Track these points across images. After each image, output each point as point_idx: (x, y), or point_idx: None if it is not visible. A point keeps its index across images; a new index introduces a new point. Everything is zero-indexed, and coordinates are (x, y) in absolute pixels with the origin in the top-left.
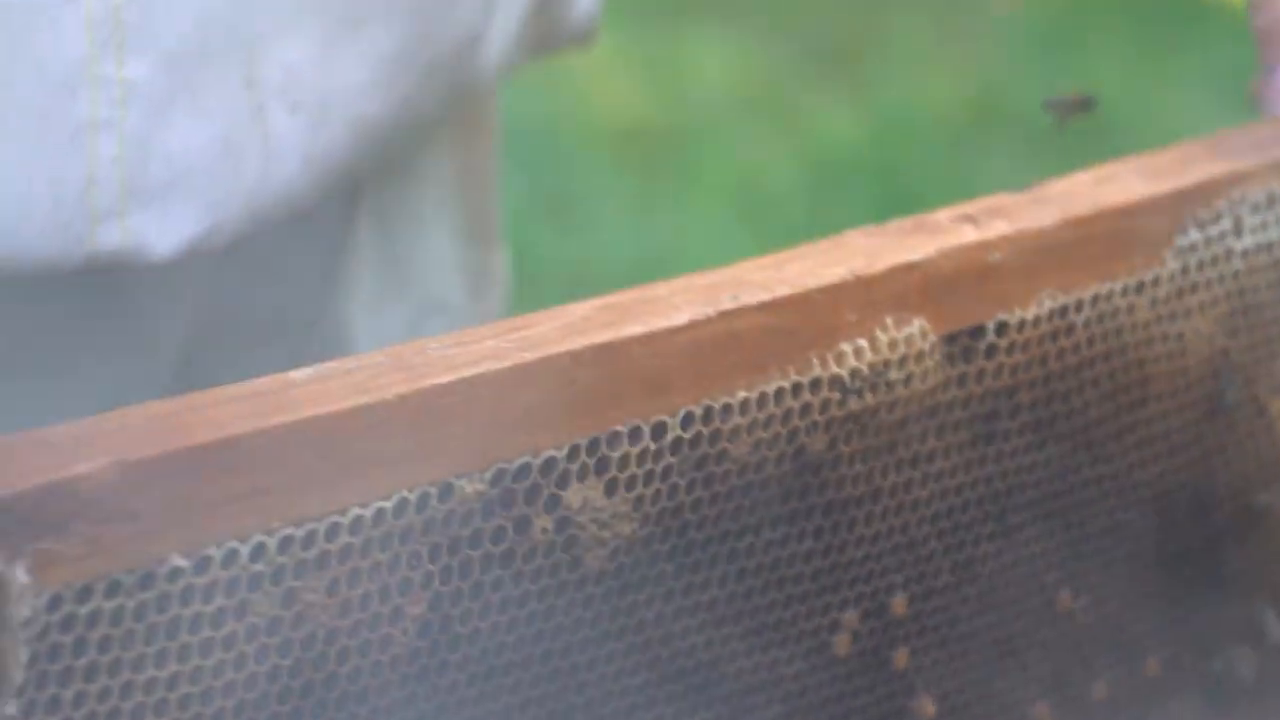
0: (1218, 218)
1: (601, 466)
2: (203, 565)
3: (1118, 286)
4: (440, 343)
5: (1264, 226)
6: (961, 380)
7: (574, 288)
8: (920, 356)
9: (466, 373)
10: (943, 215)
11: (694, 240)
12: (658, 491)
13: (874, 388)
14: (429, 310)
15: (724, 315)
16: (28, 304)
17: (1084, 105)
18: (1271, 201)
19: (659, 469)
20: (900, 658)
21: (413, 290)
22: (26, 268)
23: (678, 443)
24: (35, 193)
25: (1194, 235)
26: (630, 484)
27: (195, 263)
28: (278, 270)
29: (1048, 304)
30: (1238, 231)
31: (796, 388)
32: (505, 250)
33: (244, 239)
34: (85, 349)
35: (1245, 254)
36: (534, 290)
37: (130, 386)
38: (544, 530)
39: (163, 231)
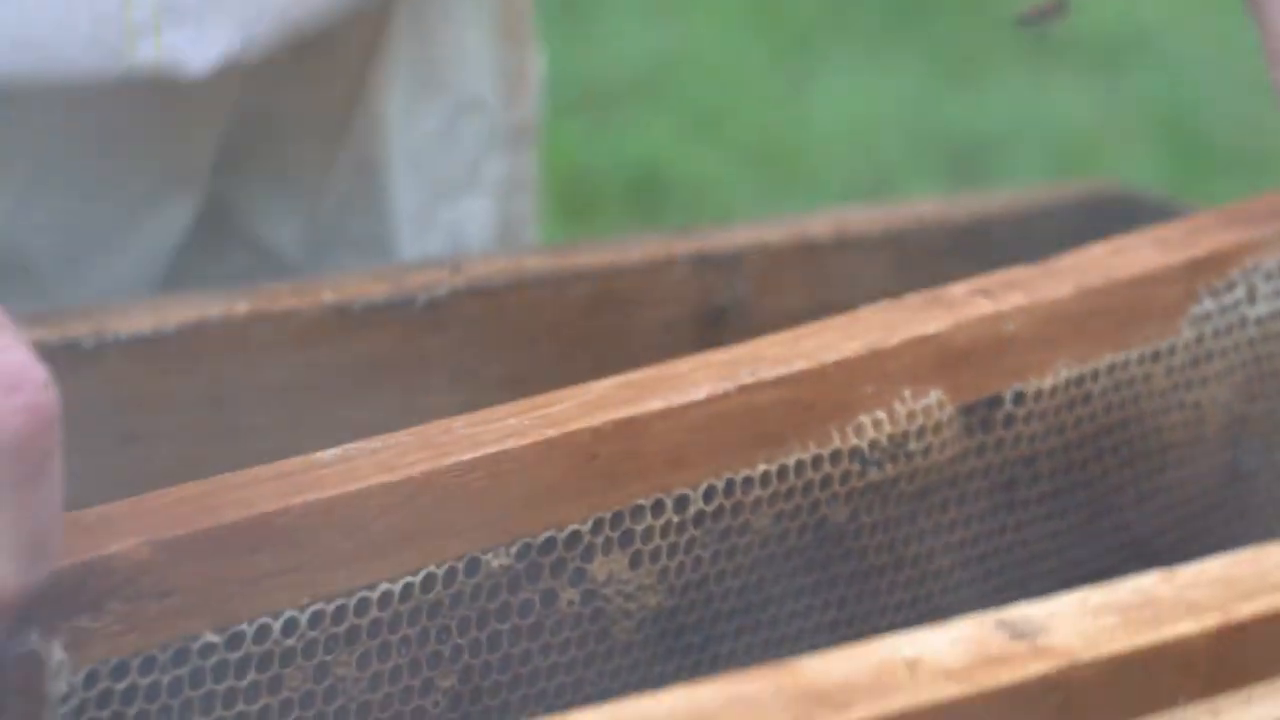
0: (1231, 286)
1: (626, 539)
2: (235, 641)
3: (1133, 356)
4: (465, 421)
5: (1278, 294)
6: (980, 450)
7: (584, 92)
8: (938, 427)
9: (490, 450)
10: (958, 289)
11: (704, 45)
12: (682, 564)
13: (893, 459)
14: (464, 109)
15: (743, 390)
16: (66, 120)
17: (1058, 9)
18: None
19: (682, 541)
20: None
21: (448, 89)
22: (68, 81)
23: (700, 515)
24: (76, 9)
25: (1208, 304)
26: (654, 556)
27: (230, 75)
28: (311, 73)
29: (1064, 374)
30: (1251, 299)
31: (816, 460)
32: (540, 51)
33: (278, 52)
34: (120, 162)
35: (1260, 321)
36: (545, 95)
37: (163, 199)
38: (570, 603)
39: (198, 47)
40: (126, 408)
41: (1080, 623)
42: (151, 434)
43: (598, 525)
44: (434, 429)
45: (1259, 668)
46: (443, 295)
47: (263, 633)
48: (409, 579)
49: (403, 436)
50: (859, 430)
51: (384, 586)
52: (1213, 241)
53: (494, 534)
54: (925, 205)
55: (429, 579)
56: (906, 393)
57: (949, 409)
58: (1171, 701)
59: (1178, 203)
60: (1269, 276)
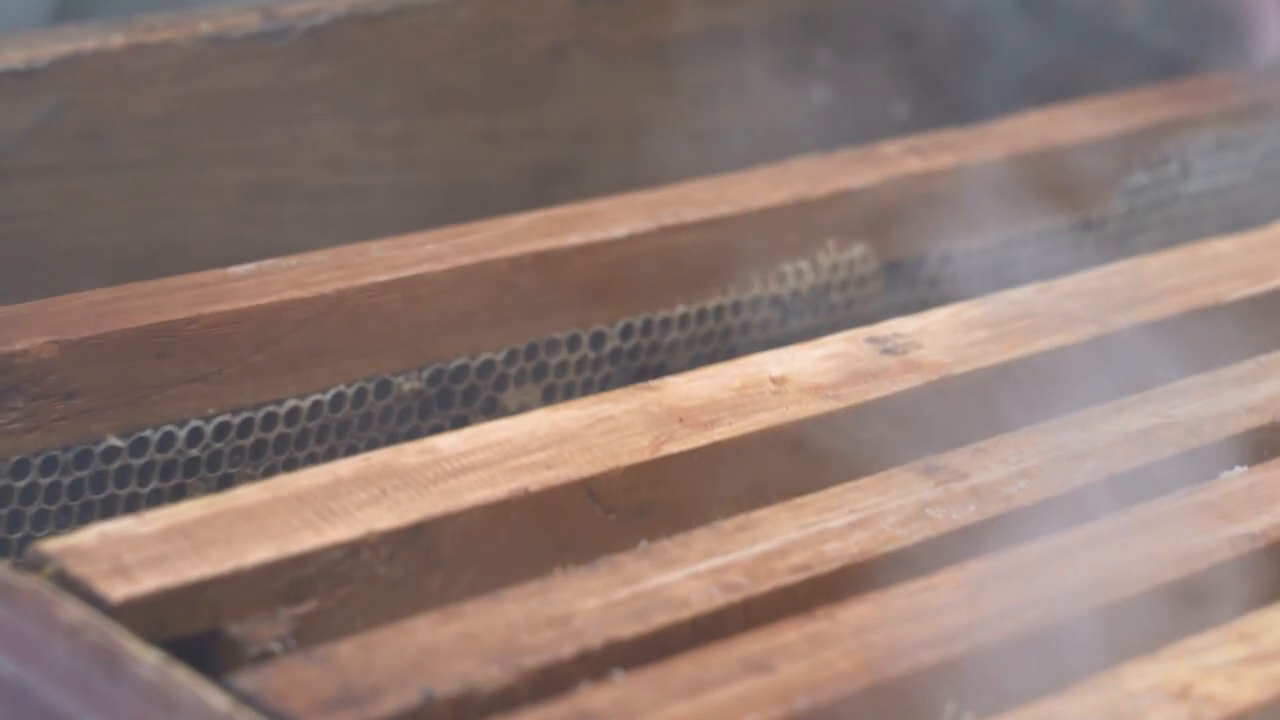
0: (1166, 160)
1: (540, 372)
2: (139, 446)
3: (1063, 224)
4: (382, 245)
5: (1212, 172)
6: (904, 307)
7: None
8: (862, 281)
9: (405, 273)
10: (890, 147)
11: None
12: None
13: (814, 309)
14: None
15: (664, 230)
16: None
17: None
18: (1221, 147)
19: (597, 378)
20: None
21: None
22: None
23: (616, 353)
24: None
25: (1141, 177)
26: (568, 391)
27: None
28: None
29: (993, 237)
30: (1185, 174)
31: (736, 306)
32: None
33: None
34: None
35: (1194, 198)
36: None
37: None
38: None
39: None
40: (2, 142)
41: (952, 337)
42: (28, 169)
43: (512, 356)
44: (350, 250)
45: (1137, 379)
46: (323, 23)
47: (167, 440)
48: (318, 396)
49: (318, 256)
50: (781, 279)
51: (291, 403)
52: (1149, 115)
53: (406, 357)
54: None
55: (338, 398)
56: (831, 244)
57: (873, 264)
58: (1047, 415)
59: None
60: (1204, 153)
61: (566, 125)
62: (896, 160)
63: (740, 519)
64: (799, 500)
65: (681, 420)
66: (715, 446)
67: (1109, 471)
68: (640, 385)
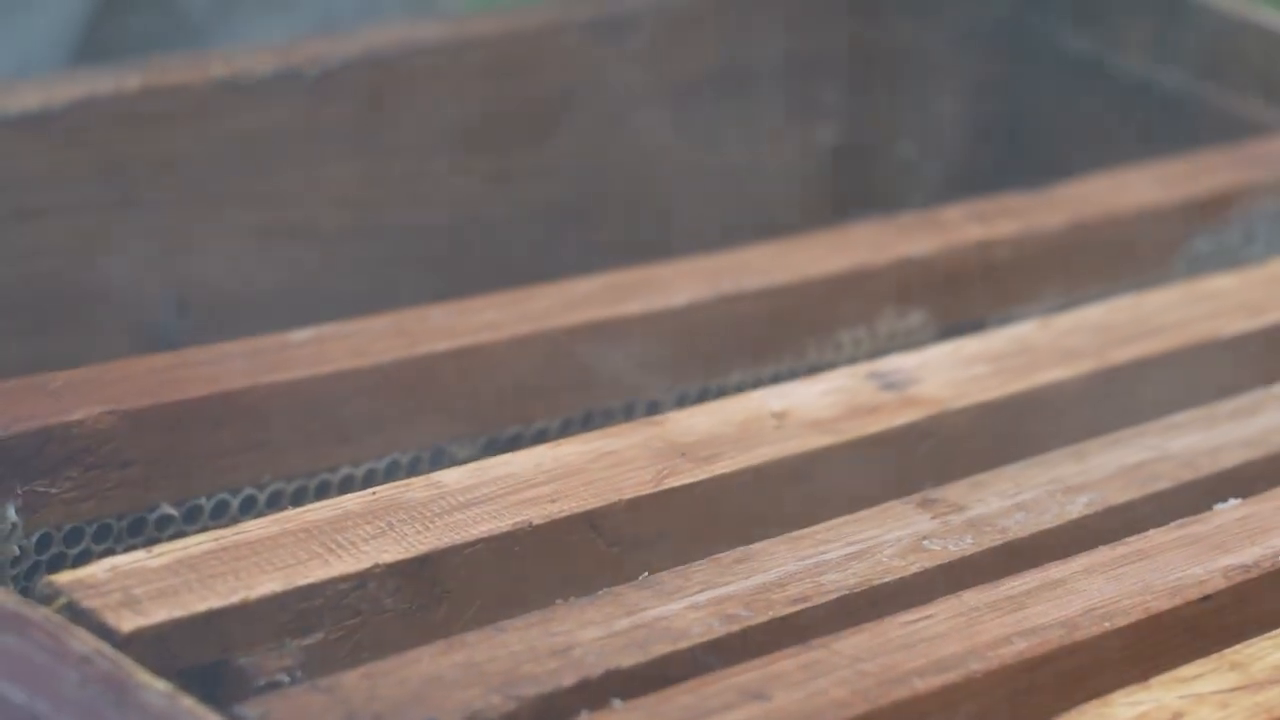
0: (1228, 227)
1: None
2: (192, 515)
3: (1122, 290)
4: (443, 310)
5: (1275, 239)
6: None
7: None
8: (920, 349)
9: (463, 342)
10: (952, 212)
11: None
12: None
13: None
14: None
15: (723, 299)
16: None
17: None
18: None
19: None
20: None
21: None
22: None
23: None
24: None
25: (1203, 243)
26: None
27: None
28: None
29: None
30: (1249, 240)
31: (793, 374)
32: None
33: None
34: None
35: (1258, 263)
36: None
37: None
38: None
39: None
40: (20, 184)
41: (952, 372)
42: (46, 209)
43: (566, 424)
44: (410, 316)
45: (1135, 413)
46: (335, 66)
47: (220, 508)
48: (372, 465)
49: (378, 322)
50: (838, 347)
51: (345, 470)
52: (1215, 181)
53: (462, 426)
54: None
55: (393, 466)
56: (890, 312)
57: (931, 330)
58: (1045, 449)
59: None
60: (1269, 219)
61: (576, 165)
62: (958, 226)
63: (739, 551)
64: (798, 532)
65: (684, 454)
66: (717, 480)
67: (1104, 504)
68: (643, 420)
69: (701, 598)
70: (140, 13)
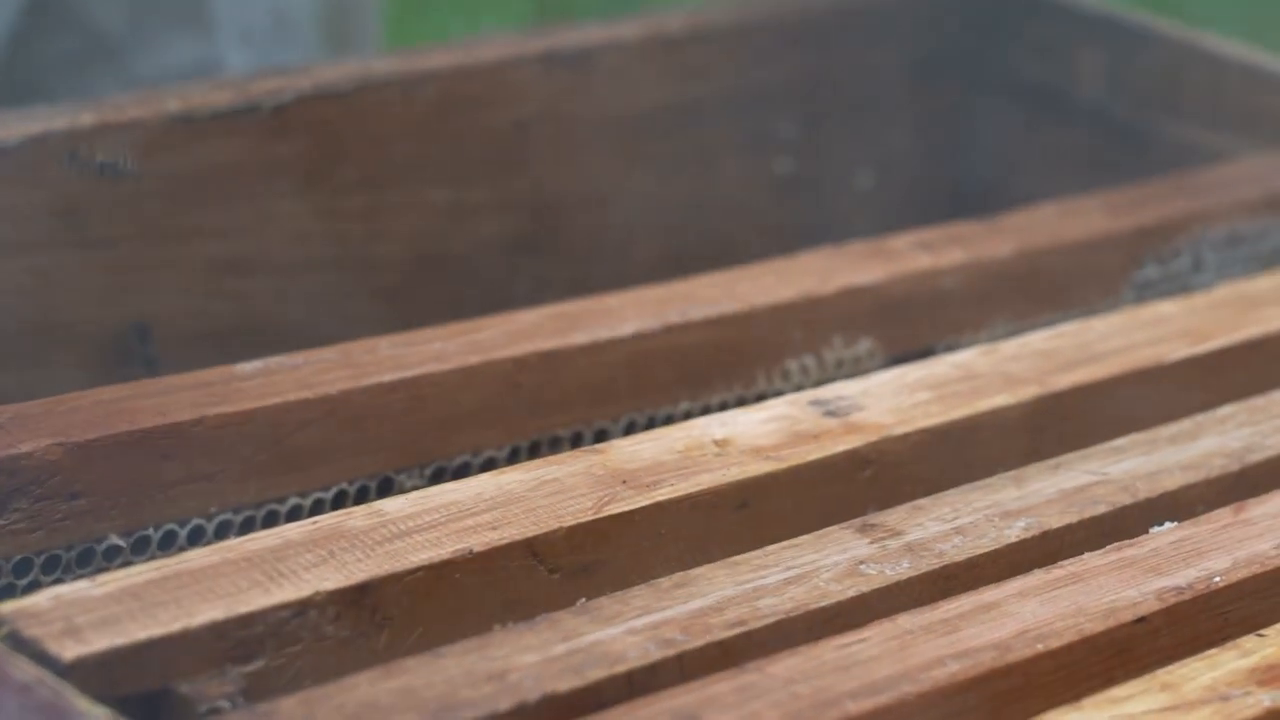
0: (1177, 254)
1: None
2: (140, 545)
3: (1071, 317)
4: (390, 341)
5: (1224, 265)
6: None
7: None
8: (866, 377)
9: (411, 373)
10: (899, 241)
11: None
12: None
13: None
14: None
15: (670, 329)
16: None
17: None
18: (1233, 241)
19: None
20: None
21: None
22: None
23: None
24: None
25: (1152, 270)
26: None
27: None
28: None
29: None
30: (1197, 268)
31: (741, 402)
32: None
33: None
34: None
35: (1206, 290)
36: None
37: None
38: None
39: None
40: None
41: (895, 399)
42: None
43: (514, 453)
44: (358, 348)
45: (1078, 438)
46: (289, 100)
47: (168, 539)
48: (319, 495)
49: (326, 353)
50: (785, 375)
51: (293, 501)
52: (1163, 208)
53: (410, 455)
54: None
55: (340, 496)
56: (837, 340)
57: (879, 359)
58: (989, 474)
59: None
60: (1216, 246)
61: (532, 198)
62: (905, 255)
63: (678, 576)
64: (737, 557)
65: (625, 481)
66: (658, 507)
67: (1042, 528)
68: (585, 449)
69: (639, 622)
70: (57, 36)
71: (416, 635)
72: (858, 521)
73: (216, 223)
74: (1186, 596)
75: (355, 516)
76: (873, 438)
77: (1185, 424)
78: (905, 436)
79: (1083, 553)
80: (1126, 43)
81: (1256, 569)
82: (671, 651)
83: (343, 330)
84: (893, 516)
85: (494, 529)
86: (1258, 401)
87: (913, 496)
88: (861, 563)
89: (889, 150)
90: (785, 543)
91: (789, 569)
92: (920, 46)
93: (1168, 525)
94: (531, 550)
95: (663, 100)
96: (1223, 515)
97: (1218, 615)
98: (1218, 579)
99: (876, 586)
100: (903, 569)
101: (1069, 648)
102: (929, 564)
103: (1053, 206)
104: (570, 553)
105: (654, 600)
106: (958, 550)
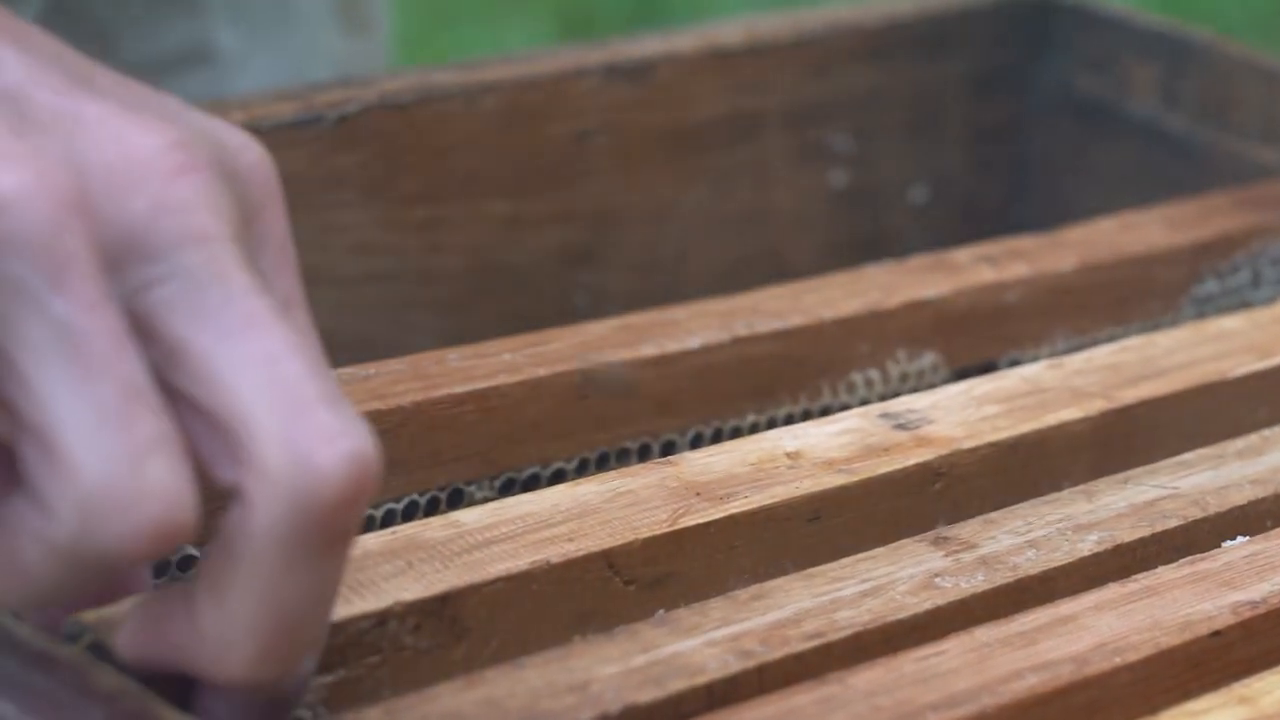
0: (1236, 269)
1: None
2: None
3: (1132, 331)
4: (459, 353)
5: None
6: None
7: None
8: (931, 390)
9: (480, 385)
10: (962, 254)
11: None
12: None
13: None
14: None
15: (737, 341)
16: None
17: None
18: None
19: None
20: None
21: None
22: None
23: None
24: None
25: (1212, 285)
26: None
27: None
28: None
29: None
30: (1256, 283)
31: (806, 415)
32: None
33: None
34: None
35: (1265, 305)
36: None
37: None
38: None
39: None
40: None
41: (963, 413)
42: None
43: (583, 465)
44: (427, 359)
45: (1144, 452)
46: (353, 111)
47: None
48: (391, 505)
49: (395, 364)
50: (850, 388)
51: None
52: (1222, 223)
53: (479, 467)
54: (838, 10)
55: (411, 506)
56: (901, 354)
57: (942, 372)
58: (1056, 487)
59: (1093, 7)
60: (1275, 262)
61: (591, 209)
62: (968, 269)
63: (755, 588)
64: (813, 570)
65: (699, 494)
66: (731, 519)
67: (1114, 541)
68: (658, 461)
69: (718, 634)
70: (75, 36)
71: (494, 646)
72: (931, 534)
73: None
74: (1261, 610)
75: (432, 527)
76: (943, 451)
77: (1252, 439)
78: (975, 450)
79: (1155, 566)
80: (1181, 57)
81: None
82: (751, 663)
83: (404, 342)
84: (965, 530)
85: (570, 540)
86: None
87: (982, 509)
88: (936, 575)
89: (943, 164)
90: (860, 555)
91: (865, 581)
92: (974, 61)
93: (1239, 540)
94: (608, 562)
95: (722, 112)
96: None
97: None
98: None
99: (952, 599)
100: (978, 582)
101: (1146, 661)
102: (1003, 577)
103: (1112, 221)
104: (645, 564)
105: (732, 612)
106: (1032, 563)
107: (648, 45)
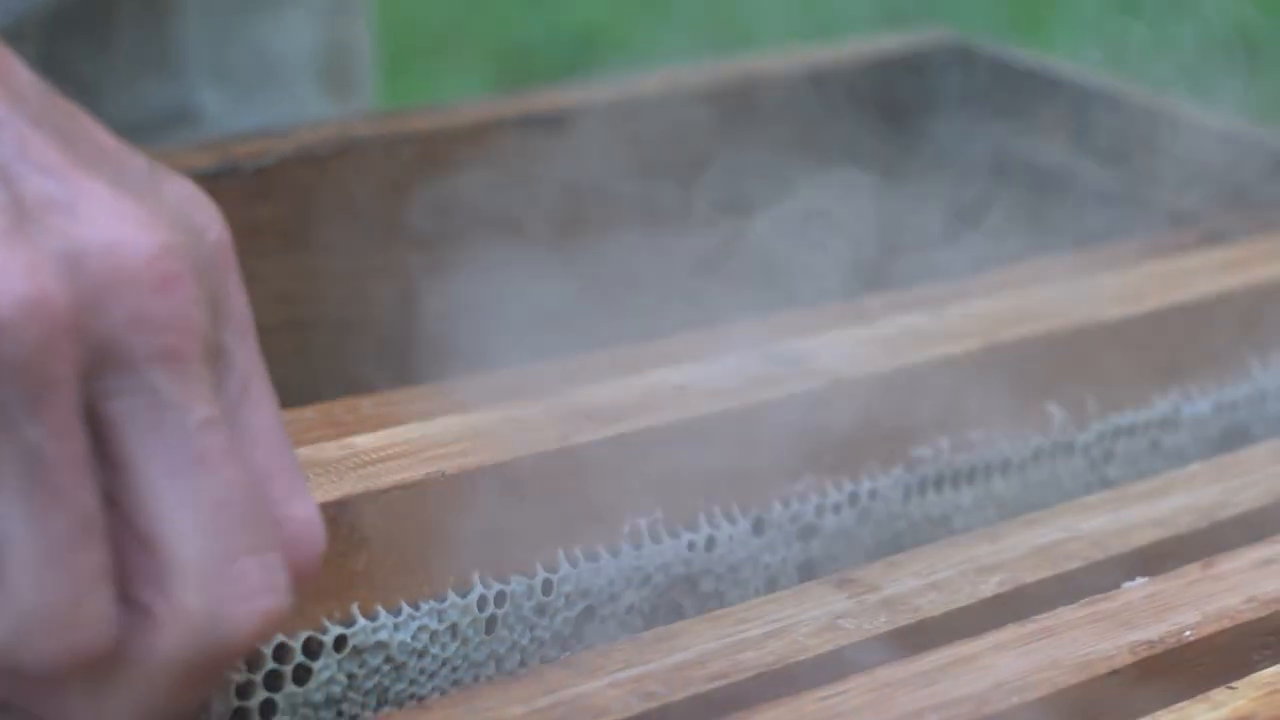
0: None
1: None
2: None
3: None
4: (373, 401)
5: None
6: None
7: None
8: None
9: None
10: (875, 302)
11: None
12: None
13: None
14: None
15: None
16: None
17: None
18: None
19: None
20: None
21: None
22: None
23: None
24: None
25: None
26: None
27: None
28: None
29: None
30: None
31: None
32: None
33: None
34: None
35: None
36: None
37: None
38: None
39: None
40: None
41: (846, 349)
42: None
43: None
44: (339, 407)
45: (1020, 388)
46: (270, 163)
47: None
48: None
49: (308, 412)
50: None
51: None
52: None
53: None
54: (757, 59)
55: None
56: None
57: None
58: (936, 419)
59: (1009, 51)
60: None
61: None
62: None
63: (660, 630)
64: (718, 612)
65: (587, 417)
66: (620, 437)
67: (1016, 583)
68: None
69: (621, 675)
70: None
71: (394, 560)
72: (835, 578)
73: None
74: (1159, 650)
75: (327, 449)
76: (824, 381)
77: (1156, 481)
78: (856, 379)
79: (1056, 607)
80: (1090, 104)
81: (1226, 623)
82: (654, 704)
83: (326, 389)
84: (869, 573)
85: (464, 456)
86: (1225, 459)
87: (858, 438)
88: (840, 617)
89: (850, 213)
90: (765, 597)
91: (769, 623)
92: (892, 110)
93: (1139, 580)
94: (501, 475)
95: (639, 163)
96: (1192, 570)
97: (1189, 668)
98: (1188, 633)
99: (855, 640)
100: (880, 623)
101: (1044, 700)
102: (906, 618)
103: (1027, 267)
104: (537, 479)
105: (636, 654)
106: (934, 605)
107: (565, 95)
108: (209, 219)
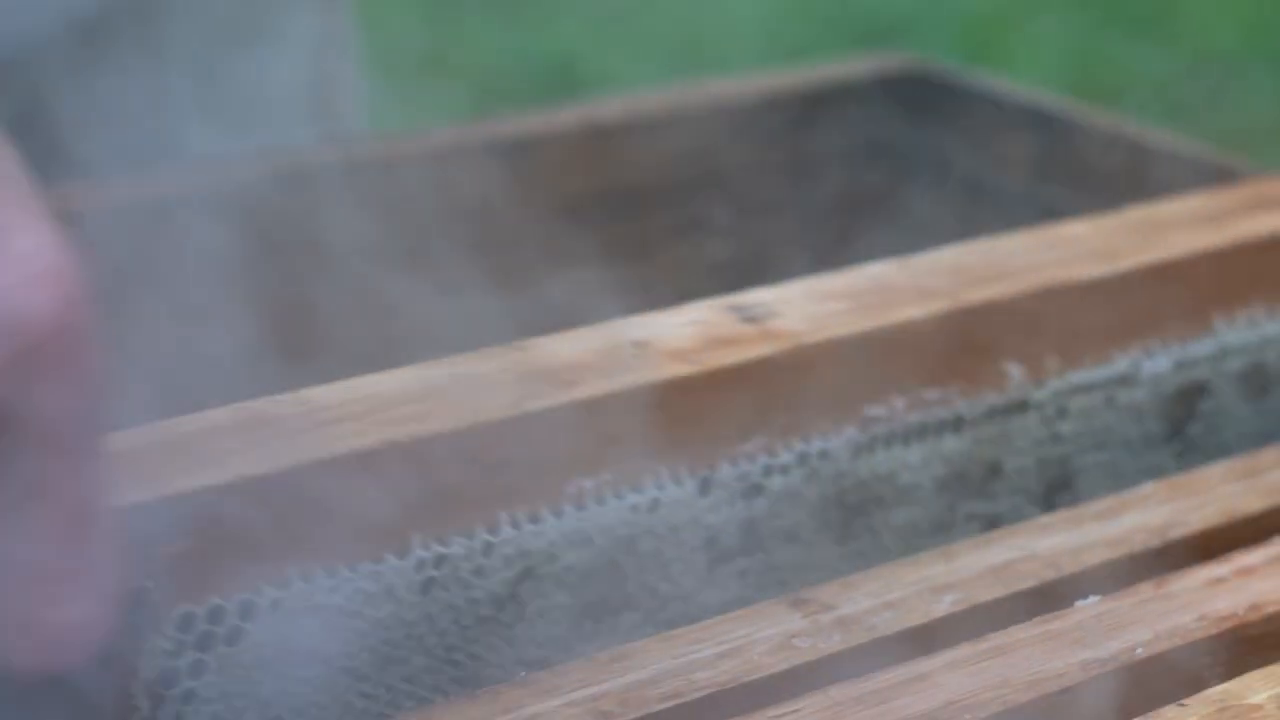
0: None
1: None
2: None
3: None
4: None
5: None
6: None
7: None
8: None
9: None
10: None
11: None
12: None
13: None
14: None
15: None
16: None
17: None
18: None
19: None
20: None
21: None
22: None
23: None
24: None
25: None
26: None
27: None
28: None
29: None
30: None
31: None
32: None
33: None
34: None
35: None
36: None
37: None
38: None
39: None
40: None
41: (810, 307)
42: None
43: None
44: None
45: (988, 351)
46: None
47: None
48: None
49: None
50: None
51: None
52: None
53: None
54: (718, 84)
55: None
56: None
57: None
58: (902, 384)
59: (968, 77)
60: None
61: None
62: None
63: (615, 650)
64: (672, 632)
65: (546, 378)
66: (575, 404)
67: (970, 602)
68: (505, 346)
69: (577, 695)
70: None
71: None
72: (790, 598)
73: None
74: (1110, 668)
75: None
76: (788, 345)
77: (1109, 501)
78: (820, 344)
79: (1009, 626)
80: (1051, 129)
81: (1177, 641)
82: None
83: None
84: (825, 592)
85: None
86: (1179, 480)
87: (823, 405)
88: (794, 636)
89: (822, 235)
90: (719, 617)
91: (723, 643)
92: (852, 134)
93: (1092, 599)
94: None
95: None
96: (1144, 589)
97: (1140, 686)
98: (1140, 650)
99: (809, 659)
100: (834, 642)
101: (994, 718)
102: (860, 637)
103: None
104: (489, 448)
105: (591, 674)
106: (888, 624)
107: (527, 123)
108: (43, 297)
